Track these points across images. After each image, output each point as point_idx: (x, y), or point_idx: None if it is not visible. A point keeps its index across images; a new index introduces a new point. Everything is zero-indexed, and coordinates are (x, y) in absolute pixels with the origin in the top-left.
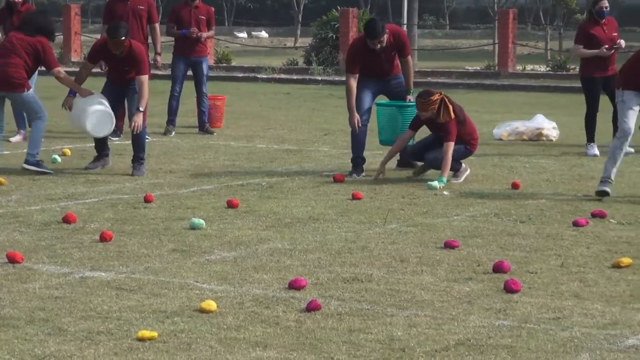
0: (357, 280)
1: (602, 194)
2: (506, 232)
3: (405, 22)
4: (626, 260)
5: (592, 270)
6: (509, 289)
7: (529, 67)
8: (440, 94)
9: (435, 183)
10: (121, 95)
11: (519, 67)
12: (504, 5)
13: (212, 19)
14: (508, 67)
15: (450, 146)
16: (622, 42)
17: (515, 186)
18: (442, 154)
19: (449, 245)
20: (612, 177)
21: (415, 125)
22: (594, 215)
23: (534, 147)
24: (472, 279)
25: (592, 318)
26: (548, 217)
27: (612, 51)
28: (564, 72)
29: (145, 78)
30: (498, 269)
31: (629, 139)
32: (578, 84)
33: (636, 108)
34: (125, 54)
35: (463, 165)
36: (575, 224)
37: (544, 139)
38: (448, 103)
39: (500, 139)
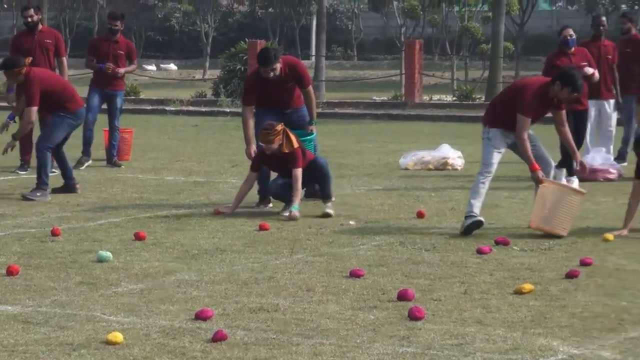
0: (263, 310)
1: (467, 231)
2: (411, 260)
3: (313, 53)
4: (528, 287)
5: (494, 296)
6: (413, 316)
7: (435, 97)
8: (282, 125)
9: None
10: None
11: (425, 97)
12: (410, 36)
13: (133, 54)
14: (415, 97)
15: (299, 173)
16: (589, 70)
17: (420, 215)
18: (292, 182)
19: (354, 274)
20: (477, 211)
21: (256, 167)
22: (497, 243)
23: (439, 176)
24: (377, 307)
25: (494, 343)
26: (452, 245)
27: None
28: (470, 102)
29: (28, 110)
30: (402, 296)
31: (491, 178)
32: (483, 113)
33: (502, 150)
34: (22, 84)
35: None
36: (479, 251)
37: (450, 168)
38: (290, 133)
39: (407, 169)
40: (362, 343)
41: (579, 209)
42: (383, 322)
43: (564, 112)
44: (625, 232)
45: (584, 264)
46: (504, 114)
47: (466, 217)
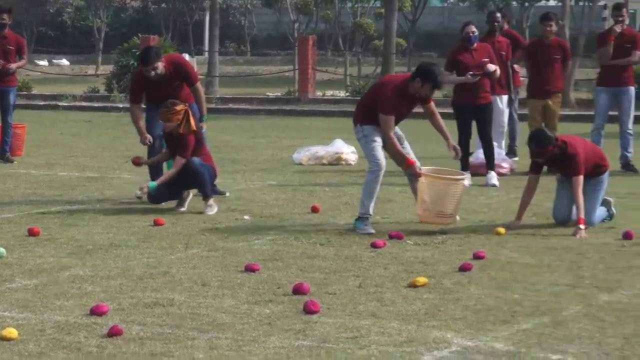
0: (158, 305)
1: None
2: (306, 254)
3: (206, 49)
4: (422, 280)
5: (389, 290)
6: (308, 310)
7: (328, 93)
8: (185, 106)
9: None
10: None
11: (319, 93)
12: (303, 32)
13: (23, 48)
14: (308, 93)
15: (181, 163)
16: (491, 67)
17: (314, 210)
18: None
19: (249, 269)
20: (371, 211)
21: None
22: (391, 237)
23: (333, 171)
24: (273, 301)
25: (389, 336)
26: (347, 239)
27: (478, 78)
28: None
29: None
30: (298, 290)
31: (383, 172)
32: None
33: (379, 139)
34: None
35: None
36: (373, 245)
37: (343, 163)
38: (191, 117)
39: (300, 164)
40: (258, 337)
41: (461, 194)
42: (279, 316)
43: (432, 102)
44: (518, 223)
45: (476, 257)
46: (372, 112)
47: (361, 219)
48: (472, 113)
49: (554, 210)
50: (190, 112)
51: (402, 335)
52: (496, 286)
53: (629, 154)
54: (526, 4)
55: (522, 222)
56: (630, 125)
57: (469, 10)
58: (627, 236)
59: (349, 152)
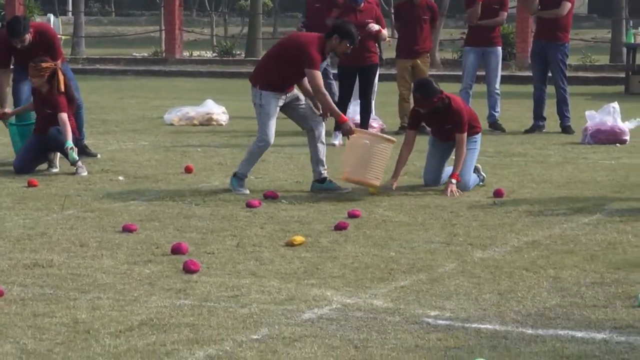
0: (38, 266)
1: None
2: (182, 214)
3: (70, 9)
4: (299, 239)
5: (267, 249)
6: (188, 269)
7: (195, 53)
8: (56, 65)
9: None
10: None
11: (186, 53)
12: None
13: None
14: (175, 54)
15: (65, 116)
16: (373, 27)
17: (188, 170)
18: (61, 126)
19: (127, 229)
20: (248, 175)
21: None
22: (266, 197)
23: (205, 132)
24: (152, 261)
25: (270, 295)
26: (222, 199)
27: (358, 38)
28: (230, 58)
29: None
30: (176, 250)
31: (268, 148)
32: (244, 69)
33: (274, 112)
34: None
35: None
36: (249, 205)
37: (215, 123)
38: (60, 77)
39: (172, 124)
40: (139, 296)
41: (388, 158)
42: (159, 276)
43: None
44: (394, 182)
45: (351, 216)
46: (280, 73)
47: (238, 177)
48: (356, 74)
49: (425, 173)
50: (59, 72)
51: (282, 294)
52: (372, 244)
53: (496, 114)
54: None
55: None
56: (497, 85)
57: None
58: (497, 194)
59: (219, 112)
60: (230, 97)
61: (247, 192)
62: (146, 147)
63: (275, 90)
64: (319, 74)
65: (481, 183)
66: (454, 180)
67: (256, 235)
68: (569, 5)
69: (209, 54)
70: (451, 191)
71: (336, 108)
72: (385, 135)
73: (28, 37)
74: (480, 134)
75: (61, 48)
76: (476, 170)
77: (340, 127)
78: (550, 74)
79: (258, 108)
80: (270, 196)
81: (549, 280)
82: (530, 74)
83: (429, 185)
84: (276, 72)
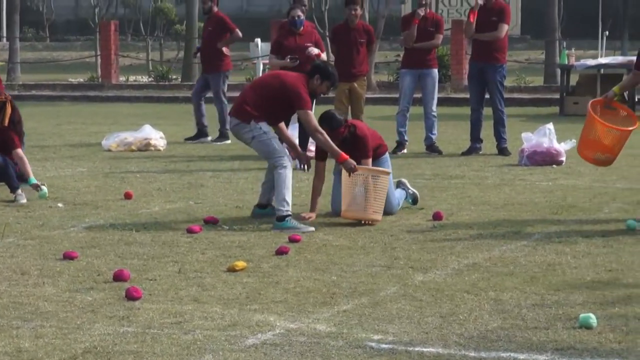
0: None
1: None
2: (123, 241)
3: (5, 34)
4: (240, 264)
5: (208, 275)
6: (131, 296)
7: (132, 78)
8: (7, 97)
9: None
10: None
11: (122, 79)
12: (104, 16)
13: None
14: (112, 79)
15: (20, 152)
16: (313, 51)
17: (127, 196)
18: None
19: (68, 257)
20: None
21: None
22: (206, 222)
23: (143, 157)
24: (94, 288)
25: (213, 320)
26: (162, 224)
27: (297, 62)
28: (167, 83)
29: None
30: (118, 277)
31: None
32: (181, 94)
33: (274, 134)
34: None
35: None
36: (189, 230)
37: (153, 148)
38: (9, 109)
39: (110, 150)
40: (82, 324)
41: (387, 190)
42: (101, 303)
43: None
44: (313, 215)
45: (292, 240)
46: (272, 109)
47: (287, 218)
48: None
49: (332, 202)
50: (10, 106)
51: (225, 320)
52: (314, 268)
53: (433, 136)
54: None
55: (317, 211)
56: (434, 107)
57: None
58: (436, 217)
59: (157, 137)
60: (167, 122)
61: (312, 228)
62: (84, 173)
63: (271, 120)
64: (312, 115)
65: (411, 200)
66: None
67: (197, 261)
68: (506, 27)
69: (145, 79)
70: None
71: (335, 147)
72: (379, 168)
73: None
74: (387, 153)
75: None
76: (402, 185)
77: (342, 165)
78: (487, 96)
79: (257, 138)
80: (211, 221)
81: (490, 302)
82: (466, 96)
83: (336, 214)
84: (268, 109)
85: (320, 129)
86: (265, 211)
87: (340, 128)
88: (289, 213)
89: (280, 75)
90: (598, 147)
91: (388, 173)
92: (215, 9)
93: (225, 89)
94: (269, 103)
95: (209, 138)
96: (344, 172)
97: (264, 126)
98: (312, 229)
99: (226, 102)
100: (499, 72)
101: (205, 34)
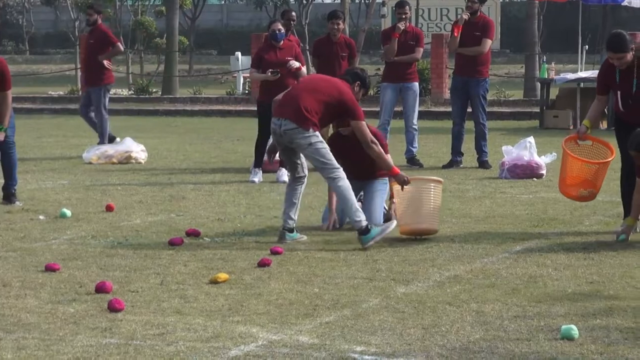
0: None
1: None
2: (105, 253)
3: None
4: (223, 276)
5: (191, 286)
6: (113, 308)
7: (112, 91)
8: None
9: None
10: None
11: None
12: (84, 30)
13: None
14: None
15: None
16: (294, 64)
17: (109, 208)
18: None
19: (50, 269)
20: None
21: None
22: (188, 234)
23: (124, 170)
24: (76, 300)
25: (195, 332)
26: (144, 237)
27: (278, 75)
28: (147, 96)
29: None
30: (100, 289)
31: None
32: (161, 107)
33: None
34: None
35: None
36: (171, 243)
37: (134, 161)
38: None
39: (91, 163)
40: (64, 336)
41: (440, 199)
42: (84, 315)
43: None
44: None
45: (274, 252)
46: (324, 116)
47: (367, 230)
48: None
49: (324, 213)
50: None
51: (208, 331)
52: (296, 280)
53: (414, 149)
54: (304, 1)
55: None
56: (414, 121)
57: (247, 7)
58: None
59: (138, 150)
60: (148, 134)
61: (390, 228)
62: (66, 185)
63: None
64: (363, 125)
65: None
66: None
67: (180, 273)
68: (490, 42)
69: (125, 92)
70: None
71: (388, 160)
72: (431, 177)
73: None
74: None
75: (10, 79)
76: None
77: (395, 178)
78: (469, 110)
79: (315, 146)
80: (192, 234)
81: (472, 314)
82: (447, 110)
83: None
84: (322, 116)
85: (375, 140)
86: (293, 236)
87: None
88: (366, 225)
89: (333, 82)
90: (580, 183)
91: (439, 181)
92: (99, 21)
93: (107, 103)
94: (323, 109)
95: (118, 139)
96: (396, 187)
97: (319, 134)
98: (395, 223)
99: (107, 116)
100: (482, 86)
101: (87, 47)
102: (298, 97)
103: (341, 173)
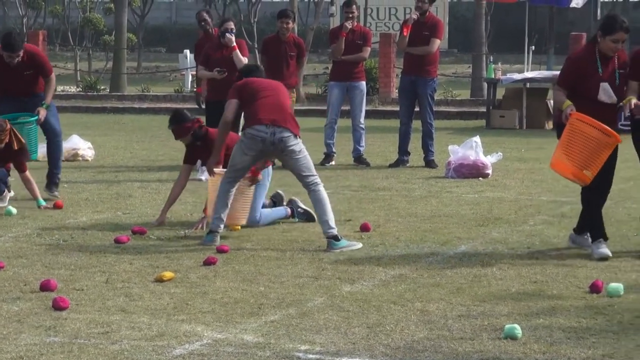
0: None
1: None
2: (50, 251)
3: None
4: (168, 275)
5: (136, 285)
6: (57, 306)
7: (59, 89)
8: (8, 123)
9: None
10: None
11: None
12: (32, 26)
13: None
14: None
15: (28, 175)
16: (230, 41)
17: (57, 206)
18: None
19: None
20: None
21: None
22: (134, 232)
23: (71, 167)
24: (20, 298)
25: (140, 331)
26: (92, 235)
27: (225, 74)
28: (95, 93)
29: None
30: (45, 287)
31: None
32: (109, 104)
33: None
34: None
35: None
36: (117, 241)
37: (80, 159)
38: (15, 131)
39: (37, 160)
40: (8, 334)
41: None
42: (28, 313)
43: None
44: (162, 218)
45: (220, 251)
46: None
47: (336, 238)
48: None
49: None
50: (13, 132)
51: (152, 330)
52: (241, 279)
53: (361, 148)
54: (253, 0)
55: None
56: (362, 120)
57: (197, 5)
58: (364, 228)
59: (85, 147)
60: (95, 132)
61: (355, 246)
62: (12, 183)
63: None
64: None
65: (304, 219)
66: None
67: (125, 271)
68: (438, 42)
69: (73, 89)
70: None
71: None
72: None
73: (21, 53)
74: (270, 166)
75: (50, 64)
76: (292, 203)
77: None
78: (417, 109)
79: (303, 152)
80: (139, 232)
81: (416, 313)
82: (394, 109)
83: (249, 225)
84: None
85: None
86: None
87: (187, 123)
88: (336, 232)
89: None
90: (586, 160)
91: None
92: None
93: None
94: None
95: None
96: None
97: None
98: (360, 245)
99: None
100: (430, 86)
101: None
102: (283, 104)
103: (319, 179)
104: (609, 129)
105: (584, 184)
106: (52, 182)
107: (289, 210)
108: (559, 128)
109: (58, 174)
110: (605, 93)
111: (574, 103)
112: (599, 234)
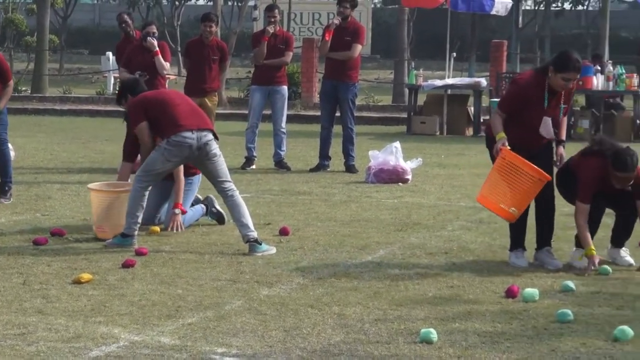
0: None
1: None
2: None
3: None
4: (86, 276)
5: (54, 286)
6: None
7: None
8: None
9: None
10: None
11: None
12: None
13: None
14: None
15: None
16: (152, 45)
17: None
18: None
19: None
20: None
21: None
22: (53, 234)
23: None
24: None
25: (57, 332)
26: (8, 236)
27: (146, 77)
28: (16, 94)
29: None
30: None
31: None
32: (30, 105)
33: None
34: None
35: None
36: (36, 242)
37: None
38: None
39: None
40: None
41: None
42: None
43: None
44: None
45: (138, 253)
46: None
47: (257, 242)
48: None
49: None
50: None
51: (69, 332)
52: (160, 282)
53: (282, 152)
54: (177, 2)
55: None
56: (283, 124)
57: (120, 8)
58: (283, 232)
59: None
60: (17, 133)
61: (271, 251)
62: None
63: None
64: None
65: (215, 219)
66: (177, 210)
67: (43, 272)
68: (359, 47)
69: None
70: (175, 222)
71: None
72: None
73: None
74: (198, 175)
75: (10, 71)
76: (208, 200)
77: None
78: (338, 114)
79: (221, 157)
80: (57, 233)
81: (333, 317)
82: (316, 114)
83: (145, 224)
84: None
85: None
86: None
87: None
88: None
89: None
90: (512, 197)
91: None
92: None
93: None
94: None
95: None
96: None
97: None
98: (274, 250)
99: None
100: (351, 91)
101: None
102: (197, 109)
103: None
104: (538, 169)
105: (510, 221)
106: (3, 190)
107: (204, 207)
108: (488, 140)
109: (8, 182)
110: (546, 128)
111: (511, 127)
112: (519, 243)
